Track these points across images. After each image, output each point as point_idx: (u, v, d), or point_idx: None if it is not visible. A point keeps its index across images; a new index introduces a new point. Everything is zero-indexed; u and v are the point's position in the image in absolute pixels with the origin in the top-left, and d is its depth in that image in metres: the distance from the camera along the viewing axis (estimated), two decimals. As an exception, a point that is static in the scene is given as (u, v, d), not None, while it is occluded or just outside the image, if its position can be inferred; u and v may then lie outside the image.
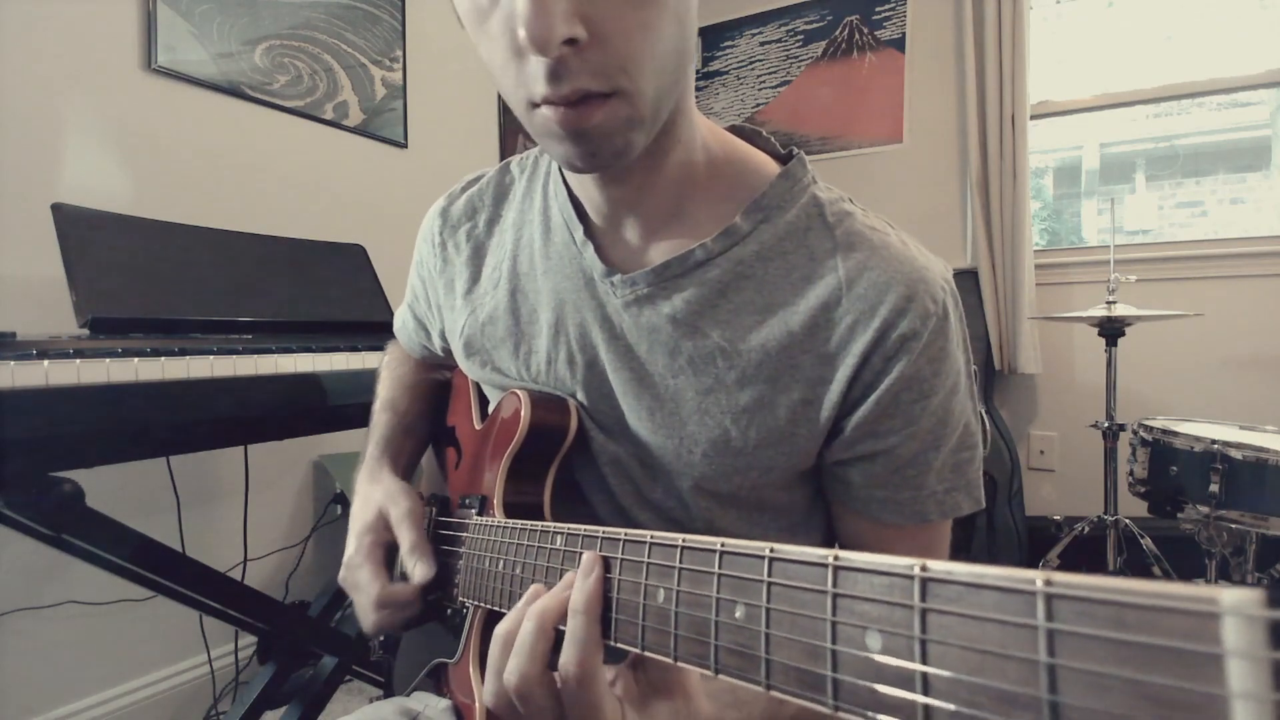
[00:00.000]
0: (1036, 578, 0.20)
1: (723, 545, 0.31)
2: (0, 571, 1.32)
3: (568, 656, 0.37)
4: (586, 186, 0.55)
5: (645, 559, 0.35)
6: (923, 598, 0.23)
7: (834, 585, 0.26)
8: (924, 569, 0.23)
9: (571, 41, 0.39)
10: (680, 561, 0.33)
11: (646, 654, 0.35)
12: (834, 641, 0.25)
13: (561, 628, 0.39)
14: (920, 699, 0.22)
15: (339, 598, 1.38)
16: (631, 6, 0.40)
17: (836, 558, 0.26)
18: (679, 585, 0.33)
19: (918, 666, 0.22)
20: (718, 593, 0.31)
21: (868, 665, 0.24)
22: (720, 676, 0.30)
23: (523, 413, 0.55)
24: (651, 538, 0.35)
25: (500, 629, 0.41)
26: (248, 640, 1.69)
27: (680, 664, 0.32)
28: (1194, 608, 0.17)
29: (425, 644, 0.64)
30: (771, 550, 0.29)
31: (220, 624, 1.40)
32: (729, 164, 0.55)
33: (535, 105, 0.43)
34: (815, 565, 0.27)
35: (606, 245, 0.56)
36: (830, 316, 0.49)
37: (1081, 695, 0.19)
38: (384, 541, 0.61)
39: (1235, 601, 0.16)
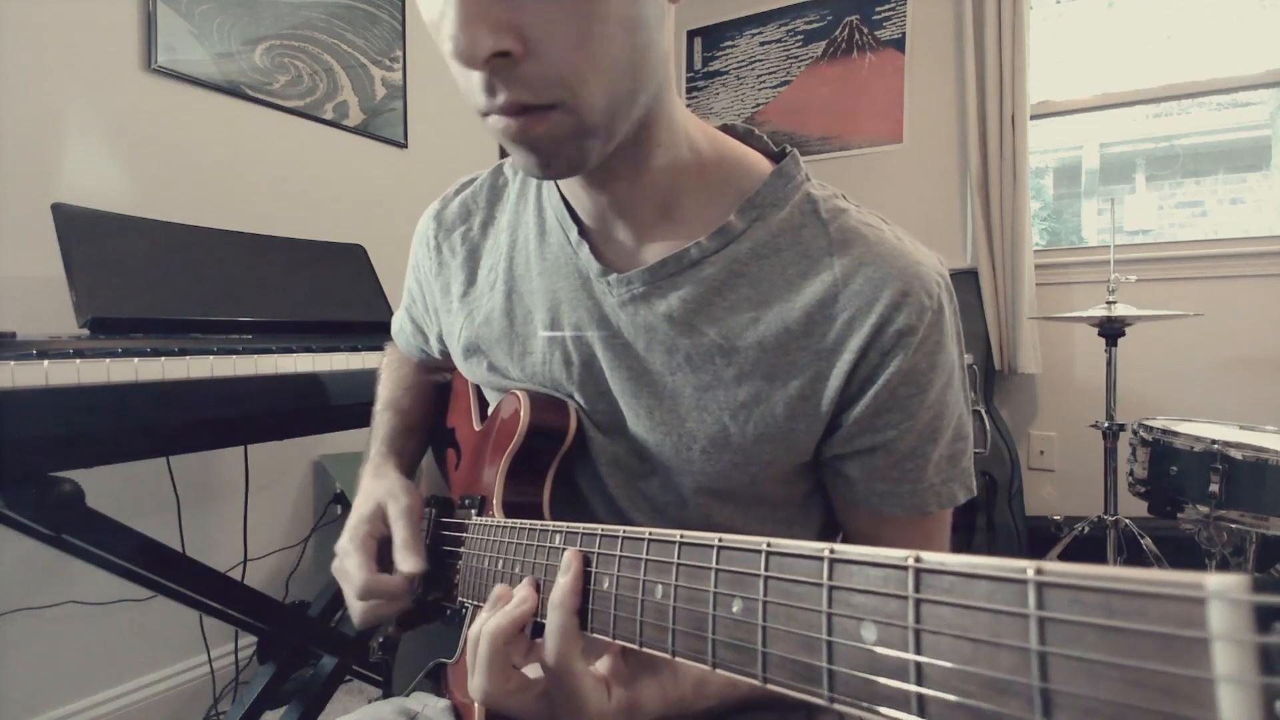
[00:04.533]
0: (1028, 567, 0.20)
1: (720, 540, 0.32)
2: (0, 571, 1.32)
3: (547, 650, 0.39)
4: (574, 190, 0.55)
5: (644, 555, 0.36)
6: (917, 588, 0.23)
7: (830, 578, 0.26)
8: (918, 560, 0.23)
9: (504, 54, 0.38)
10: (678, 557, 0.33)
11: (644, 650, 0.35)
12: (830, 633, 0.26)
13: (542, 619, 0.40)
14: (914, 688, 0.22)
15: (339, 598, 1.38)
16: (568, 18, 0.38)
17: (833, 551, 0.26)
18: (677, 581, 0.33)
19: (912, 656, 0.23)
20: (715, 587, 0.31)
21: (863, 656, 0.24)
22: (717, 670, 0.31)
23: (522, 413, 0.55)
24: (650, 534, 0.36)
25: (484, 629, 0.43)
26: (248, 640, 1.69)
27: (678, 658, 0.33)
28: (1180, 593, 0.17)
29: (425, 644, 0.64)
30: (769, 545, 0.29)
31: (220, 624, 1.40)
32: (720, 163, 0.54)
33: (485, 114, 0.43)
34: (812, 559, 0.27)
35: (601, 245, 0.56)
36: (827, 312, 0.50)
37: (1072, 682, 0.19)
38: (378, 534, 0.61)
39: (1220, 587, 0.17)
